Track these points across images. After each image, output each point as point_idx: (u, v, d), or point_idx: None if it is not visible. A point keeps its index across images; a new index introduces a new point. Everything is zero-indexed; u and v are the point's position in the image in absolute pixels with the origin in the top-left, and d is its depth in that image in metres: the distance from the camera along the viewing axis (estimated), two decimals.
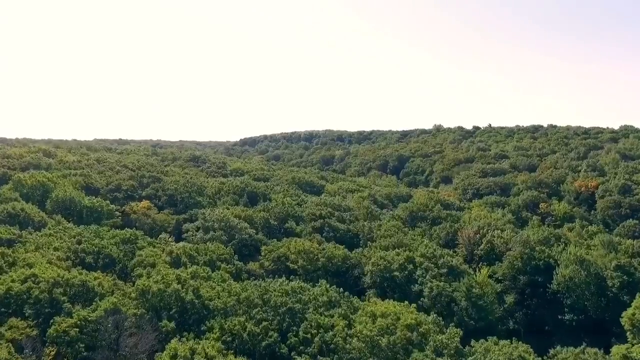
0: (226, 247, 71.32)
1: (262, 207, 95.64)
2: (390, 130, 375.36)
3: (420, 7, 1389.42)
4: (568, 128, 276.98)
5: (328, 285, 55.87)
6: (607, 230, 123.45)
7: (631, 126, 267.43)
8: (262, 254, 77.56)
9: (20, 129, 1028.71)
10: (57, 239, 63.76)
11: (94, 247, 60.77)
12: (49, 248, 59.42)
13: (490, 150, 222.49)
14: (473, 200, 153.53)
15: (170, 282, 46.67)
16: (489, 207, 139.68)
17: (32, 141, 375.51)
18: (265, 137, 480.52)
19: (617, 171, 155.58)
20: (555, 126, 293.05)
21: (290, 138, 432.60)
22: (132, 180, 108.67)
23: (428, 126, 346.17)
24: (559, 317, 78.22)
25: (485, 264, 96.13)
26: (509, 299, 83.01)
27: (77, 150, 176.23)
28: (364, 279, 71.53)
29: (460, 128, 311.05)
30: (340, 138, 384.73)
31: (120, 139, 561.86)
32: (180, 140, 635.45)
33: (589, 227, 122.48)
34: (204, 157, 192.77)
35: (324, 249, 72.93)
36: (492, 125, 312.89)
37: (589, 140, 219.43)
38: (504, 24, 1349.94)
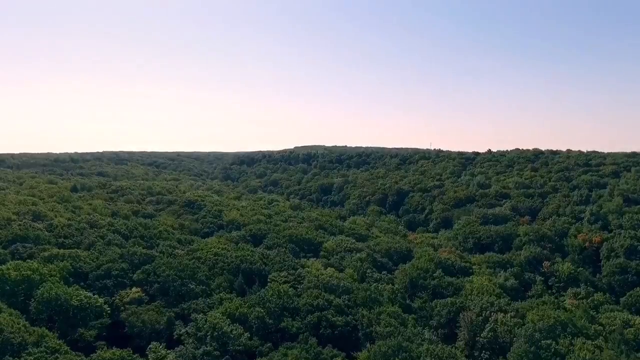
0: None
1: (257, 299, 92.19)
2: (389, 152, 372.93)
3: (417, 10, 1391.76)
4: (568, 156, 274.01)
5: None
6: (614, 297, 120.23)
7: (633, 153, 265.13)
8: None
9: (22, 136, 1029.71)
10: None
11: None
12: None
13: (490, 187, 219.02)
14: (474, 255, 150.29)
15: None
16: (491, 267, 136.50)
17: (30, 160, 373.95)
18: (264, 155, 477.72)
19: (621, 222, 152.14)
20: (555, 152, 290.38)
21: (289, 158, 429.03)
22: (122, 261, 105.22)
23: (428, 144, 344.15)
24: None
25: (487, 353, 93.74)
26: None
27: (69, 202, 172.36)
28: None
29: (460, 154, 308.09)
30: (339, 160, 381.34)
31: (120, 152, 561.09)
32: (177, 154, 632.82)
33: (595, 295, 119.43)
34: (200, 202, 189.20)
35: None
36: (491, 151, 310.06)
37: (591, 175, 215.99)
38: (502, 31, 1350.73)
